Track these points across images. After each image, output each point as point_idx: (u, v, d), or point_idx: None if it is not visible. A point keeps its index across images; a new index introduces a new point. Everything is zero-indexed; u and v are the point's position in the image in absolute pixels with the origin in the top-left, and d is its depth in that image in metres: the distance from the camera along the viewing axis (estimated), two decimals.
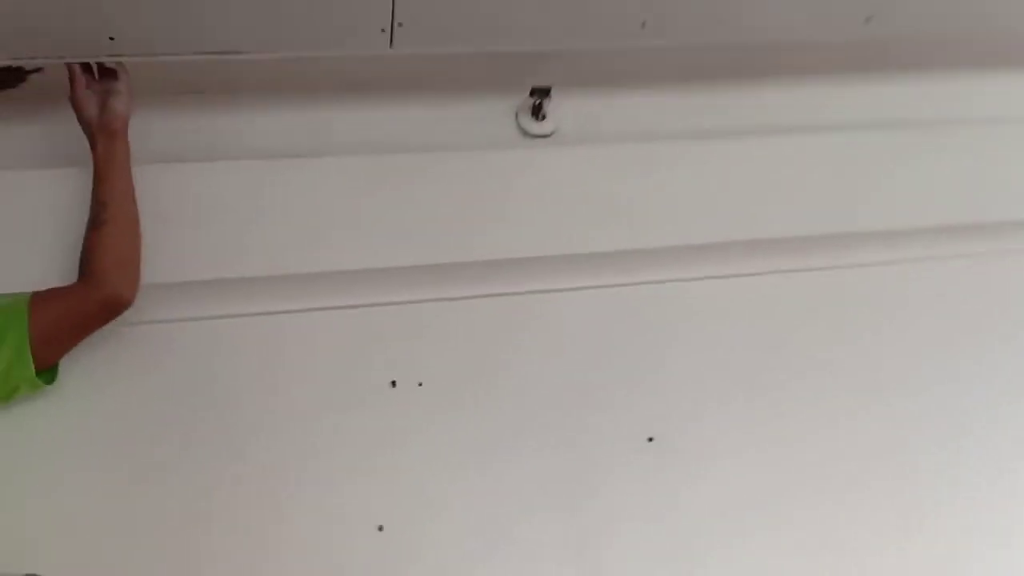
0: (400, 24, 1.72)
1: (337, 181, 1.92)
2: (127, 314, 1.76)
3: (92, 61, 1.74)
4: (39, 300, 1.66)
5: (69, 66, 1.71)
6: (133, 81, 1.76)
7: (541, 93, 2.07)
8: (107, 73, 1.75)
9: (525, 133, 2.10)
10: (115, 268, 1.69)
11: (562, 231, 1.99)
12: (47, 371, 1.70)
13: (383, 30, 1.74)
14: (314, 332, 1.87)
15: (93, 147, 1.74)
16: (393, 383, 1.87)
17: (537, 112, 2.09)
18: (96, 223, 1.70)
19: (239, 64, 1.80)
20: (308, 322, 1.87)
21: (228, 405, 1.80)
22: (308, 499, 1.78)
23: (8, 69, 1.59)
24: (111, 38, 1.72)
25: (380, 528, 1.78)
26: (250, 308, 1.85)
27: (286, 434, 1.81)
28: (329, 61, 1.86)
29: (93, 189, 1.72)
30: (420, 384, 1.87)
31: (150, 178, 1.79)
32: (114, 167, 1.73)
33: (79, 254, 1.70)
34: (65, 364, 1.74)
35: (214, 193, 1.87)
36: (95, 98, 1.74)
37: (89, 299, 1.68)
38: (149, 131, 1.82)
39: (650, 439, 1.93)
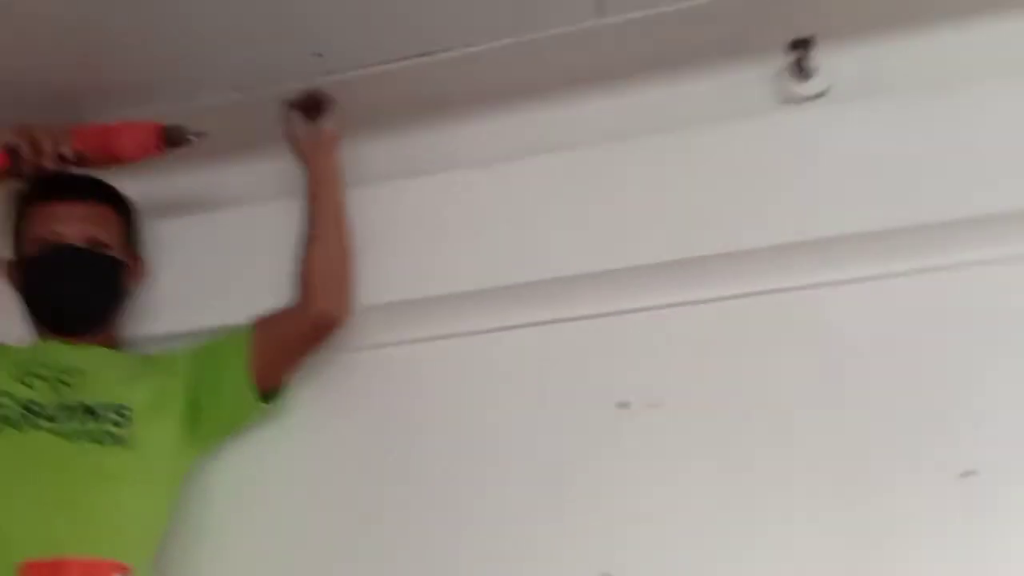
0: None
1: (558, 178, 1.71)
2: (349, 339, 1.69)
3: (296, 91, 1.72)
4: (260, 323, 1.65)
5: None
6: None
7: (802, 46, 1.69)
8: (311, 100, 1.71)
9: (788, 98, 1.72)
10: (324, 286, 1.63)
11: (841, 208, 1.59)
12: (271, 397, 1.66)
13: None
14: (532, 349, 1.67)
15: (305, 166, 1.70)
16: (623, 404, 1.59)
17: (801, 69, 1.71)
18: (306, 241, 1.65)
19: (445, 71, 1.70)
20: (525, 339, 1.67)
21: (440, 432, 1.66)
22: (526, 540, 1.56)
23: (176, 129, 1.59)
24: (318, 54, 1.68)
25: None
26: (460, 327, 1.69)
27: (500, 465, 1.62)
28: (539, 55, 1.67)
29: (306, 208, 1.67)
30: (655, 405, 1.58)
31: (366, 198, 1.72)
32: (324, 184, 1.69)
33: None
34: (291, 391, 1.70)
35: (425, 208, 1.75)
36: (303, 120, 1.71)
37: (301, 319, 1.64)
38: (357, 152, 1.74)
39: (965, 473, 1.46)
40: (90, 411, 1.49)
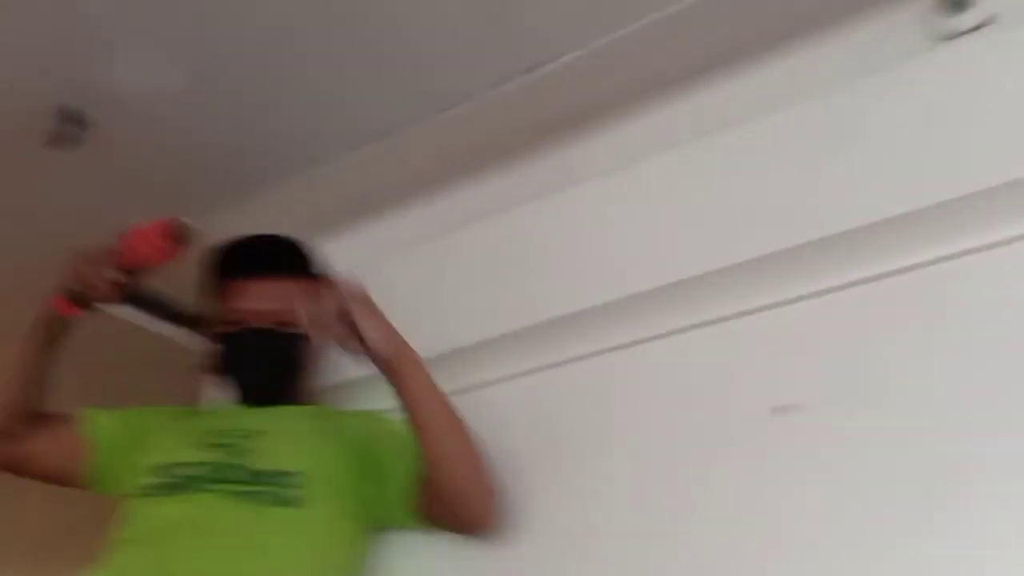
0: None
1: (676, 175, 1.56)
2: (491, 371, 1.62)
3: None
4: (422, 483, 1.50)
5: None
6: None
7: None
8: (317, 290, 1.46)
9: (941, 35, 1.46)
10: (452, 498, 1.45)
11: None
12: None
13: None
14: (663, 361, 1.50)
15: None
16: (775, 409, 1.38)
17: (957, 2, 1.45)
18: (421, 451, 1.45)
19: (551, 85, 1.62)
20: (654, 352, 1.51)
21: (589, 451, 1.53)
22: (677, 557, 1.38)
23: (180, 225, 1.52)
24: (418, 94, 1.67)
25: None
26: (587, 347, 1.56)
27: (640, 484, 1.45)
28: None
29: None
30: (805, 407, 1.35)
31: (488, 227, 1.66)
32: (408, 390, 1.43)
33: None
34: None
35: (543, 228, 1.67)
36: (340, 326, 1.39)
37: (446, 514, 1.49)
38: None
39: None
40: (263, 476, 1.47)
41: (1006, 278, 1.29)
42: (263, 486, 1.46)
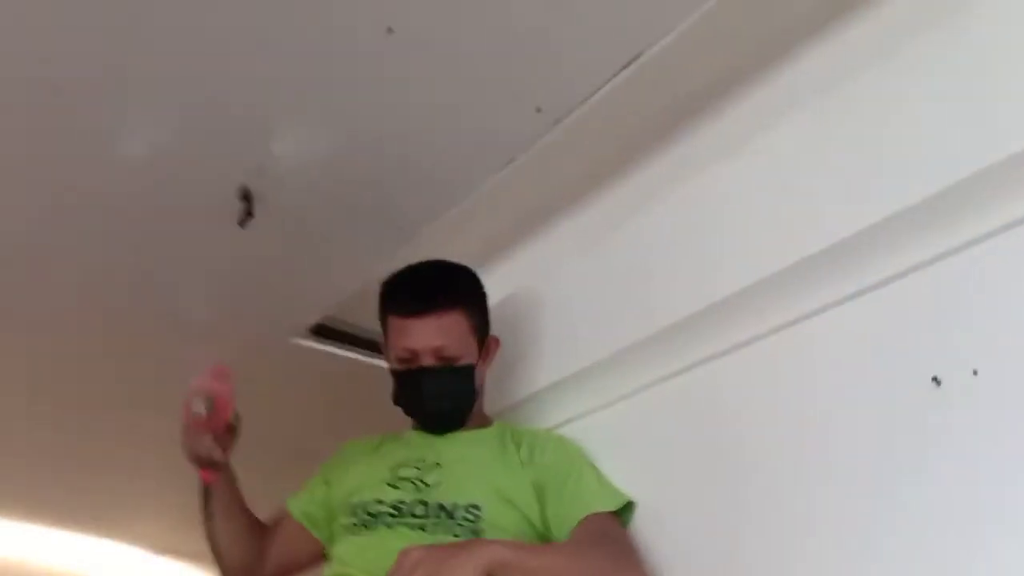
0: None
1: (824, 127, 1.48)
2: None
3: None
4: None
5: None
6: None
7: None
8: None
9: None
10: None
11: None
12: None
13: None
14: (821, 337, 1.46)
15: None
16: (937, 379, 1.32)
17: None
18: None
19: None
20: (816, 327, 1.47)
21: (759, 436, 1.51)
22: (847, 539, 1.35)
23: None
24: (538, 109, 1.72)
25: None
26: (754, 329, 1.54)
27: (819, 460, 1.43)
28: None
29: None
30: (976, 372, 1.28)
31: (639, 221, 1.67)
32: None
33: None
34: None
35: (697, 209, 1.65)
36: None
37: None
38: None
39: None
40: (443, 510, 1.58)
41: None
42: (443, 519, 1.57)
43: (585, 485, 1.62)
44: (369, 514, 1.62)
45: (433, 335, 1.66)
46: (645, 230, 1.76)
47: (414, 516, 1.58)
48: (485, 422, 1.80)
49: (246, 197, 1.98)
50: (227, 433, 1.64)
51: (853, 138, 1.45)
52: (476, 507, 1.57)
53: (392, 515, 1.60)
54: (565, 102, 1.69)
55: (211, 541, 1.66)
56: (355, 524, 1.63)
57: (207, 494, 1.66)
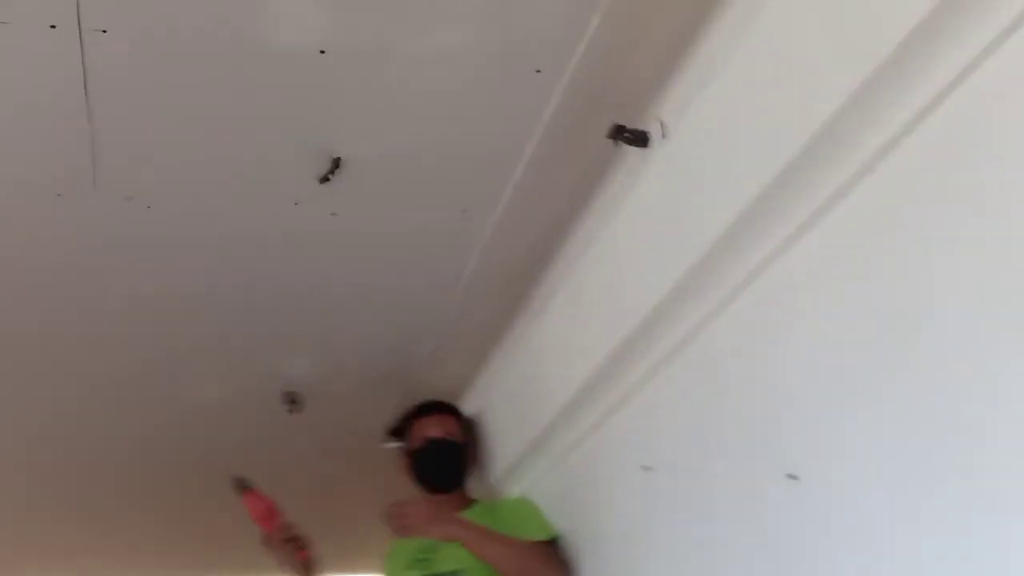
0: None
1: None
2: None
3: None
4: None
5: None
6: None
7: None
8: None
9: None
10: None
11: None
12: None
13: None
14: None
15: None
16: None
17: None
18: None
19: None
20: None
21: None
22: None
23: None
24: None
25: None
26: None
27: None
28: None
29: None
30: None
31: None
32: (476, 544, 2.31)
33: None
34: None
35: None
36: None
37: None
38: None
39: None
40: None
41: None
42: None
43: (531, 522, 2.41)
44: None
45: (442, 425, 2.61)
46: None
47: None
48: (474, 501, 2.63)
49: (287, 399, 2.86)
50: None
51: None
52: (464, 570, 2.32)
53: None
54: None
55: None
56: None
57: None
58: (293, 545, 2.50)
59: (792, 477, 1.50)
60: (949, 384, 1.17)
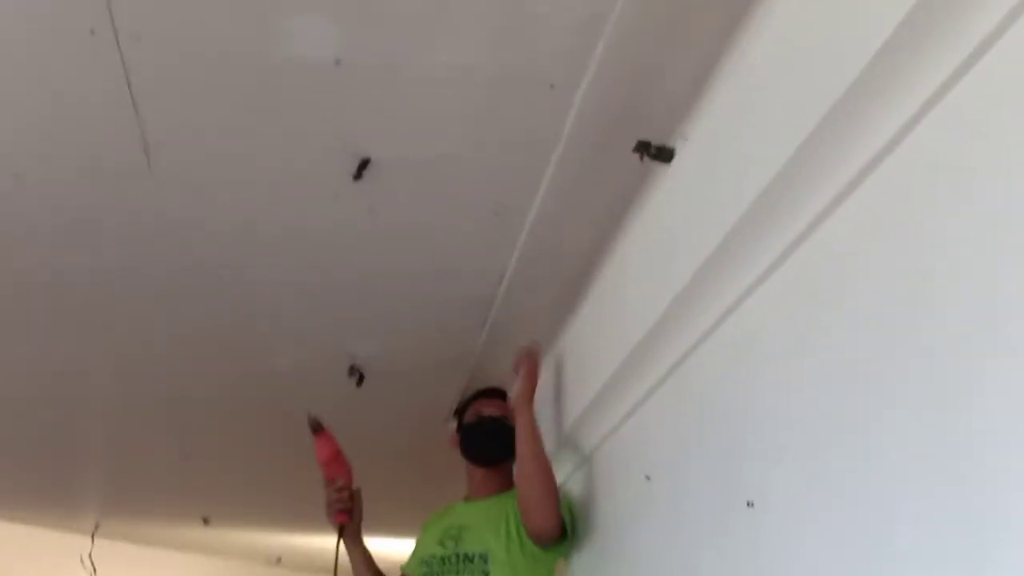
0: None
1: None
2: None
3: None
4: None
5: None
6: None
7: None
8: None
9: None
10: (528, 512, 2.38)
11: None
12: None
13: None
14: None
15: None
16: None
17: None
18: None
19: None
20: None
21: None
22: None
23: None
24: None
25: None
26: None
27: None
28: None
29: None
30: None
31: None
32: (521, 431, 2.46)
33: None
34: None
35: None
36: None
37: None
38: None
39: None
40: (467, 558, 2.50)
41: None
42: (468, 564, 2.51)
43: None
44: (430, 565, 2.58)
45: (495, 407, 2.73)
46: None
47: (452, 562, 2.51)
48: (508, 488, 2.73)
49: (352, 371, 3.04)
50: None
51: None
52: (487, 554, 2.47)
53: (442, 564, 2.54)
54: None
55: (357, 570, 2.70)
56: (424, 574, 2.61)
57: (343, 533, 2.62)
58: (338, 503, 2.62)
59: (750, 505, 1.55)
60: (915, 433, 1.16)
